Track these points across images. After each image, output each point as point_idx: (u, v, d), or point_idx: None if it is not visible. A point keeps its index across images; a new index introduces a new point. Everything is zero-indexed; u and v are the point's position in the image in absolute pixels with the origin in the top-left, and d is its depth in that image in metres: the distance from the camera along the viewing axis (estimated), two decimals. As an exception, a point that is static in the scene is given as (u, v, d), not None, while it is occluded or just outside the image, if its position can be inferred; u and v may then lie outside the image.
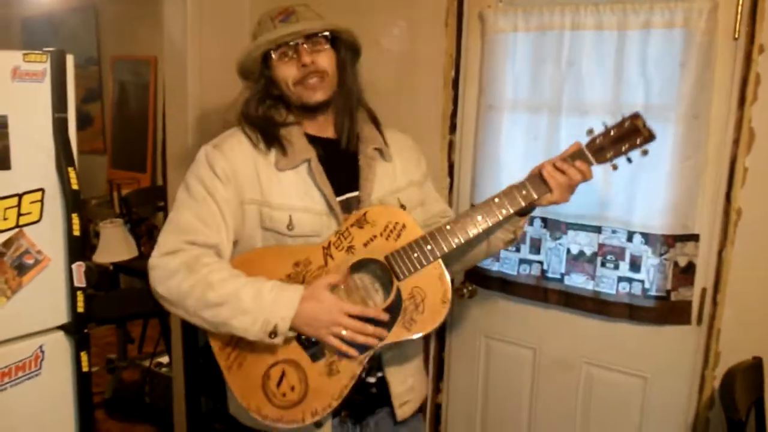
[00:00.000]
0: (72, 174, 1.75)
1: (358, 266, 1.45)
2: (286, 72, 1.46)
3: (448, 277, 1.42)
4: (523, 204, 1.48)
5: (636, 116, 1.48)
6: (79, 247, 1.77)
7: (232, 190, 1.46)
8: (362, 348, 1.42)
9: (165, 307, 1.46)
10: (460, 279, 2.34)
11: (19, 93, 1.66)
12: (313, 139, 1.53)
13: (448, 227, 1.44)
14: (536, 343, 2.32)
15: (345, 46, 1.53)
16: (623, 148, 1.48)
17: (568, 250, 2.15)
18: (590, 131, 1.49)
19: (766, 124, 1.84)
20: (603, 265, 2.10)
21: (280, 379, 1.45)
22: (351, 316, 1.40)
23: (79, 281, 1.78)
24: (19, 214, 1.69)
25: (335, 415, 1.53)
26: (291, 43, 1.44)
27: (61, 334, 1.80)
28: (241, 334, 1.39)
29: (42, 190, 1.72)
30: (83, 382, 1.84)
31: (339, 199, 1.50)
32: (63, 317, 1.80)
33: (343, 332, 1.39)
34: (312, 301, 1.38)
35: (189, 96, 2.71)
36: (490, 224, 1.47)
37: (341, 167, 1.52)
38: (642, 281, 2.05)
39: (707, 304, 2.00)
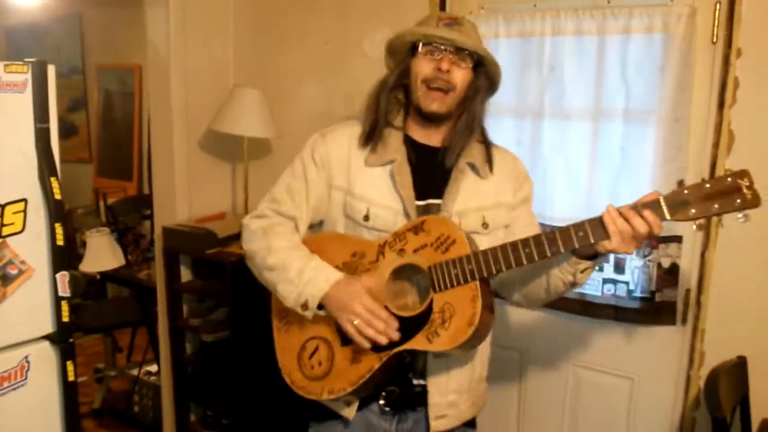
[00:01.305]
0: (55, 184, 1.74)
1: (403, 269, 1.49)
2: (422, 67, 1.51)
3: (480, 302, 1.39)
4: (576, 245, 1.36)
5: (742, 174, 1.25)
6: (63, 257, 1.76)
7: (323, 174, 1.59)
8: (382, 346, 1.44)
9: (247, 263, 1.62)
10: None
11: (1, 104, 1.66)
12: (411, 143, 1.58)
13: (494, 253, 1.40)
14: (523, 345, 2.33)
15: (485, 76, 1.56)
16: (713, 208, 1.27)
17: (553, 253, 2.17)
18: (680, 182, 1.30)
19: (746, 127, 1.87)
20: (588, 267, 2.12)
21: (313, 352, 1.56)
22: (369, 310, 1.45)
23: (63, 291, 1.77)
24: (2, 225, 1.67)
25: (376, 399, 1.58)
26: (441, 47, 1.49)
27: (46, 344, 1.79)
28: (282, 300, 1.52)
29: (25, 200, 1.71)
30: (69, 392, 1.82)
31: (421, 203, 1.54)
32: (48, 327, 1.79)
33: (356, 321, 1.44)
34: (342, 285, 1.47)
35: (173, 104, 2.71)
36: (537, 259, 1.37)
37: (433, 174, 1.56)
38: (627, 283, 2.07)
39: (691, 305, 2.02)
